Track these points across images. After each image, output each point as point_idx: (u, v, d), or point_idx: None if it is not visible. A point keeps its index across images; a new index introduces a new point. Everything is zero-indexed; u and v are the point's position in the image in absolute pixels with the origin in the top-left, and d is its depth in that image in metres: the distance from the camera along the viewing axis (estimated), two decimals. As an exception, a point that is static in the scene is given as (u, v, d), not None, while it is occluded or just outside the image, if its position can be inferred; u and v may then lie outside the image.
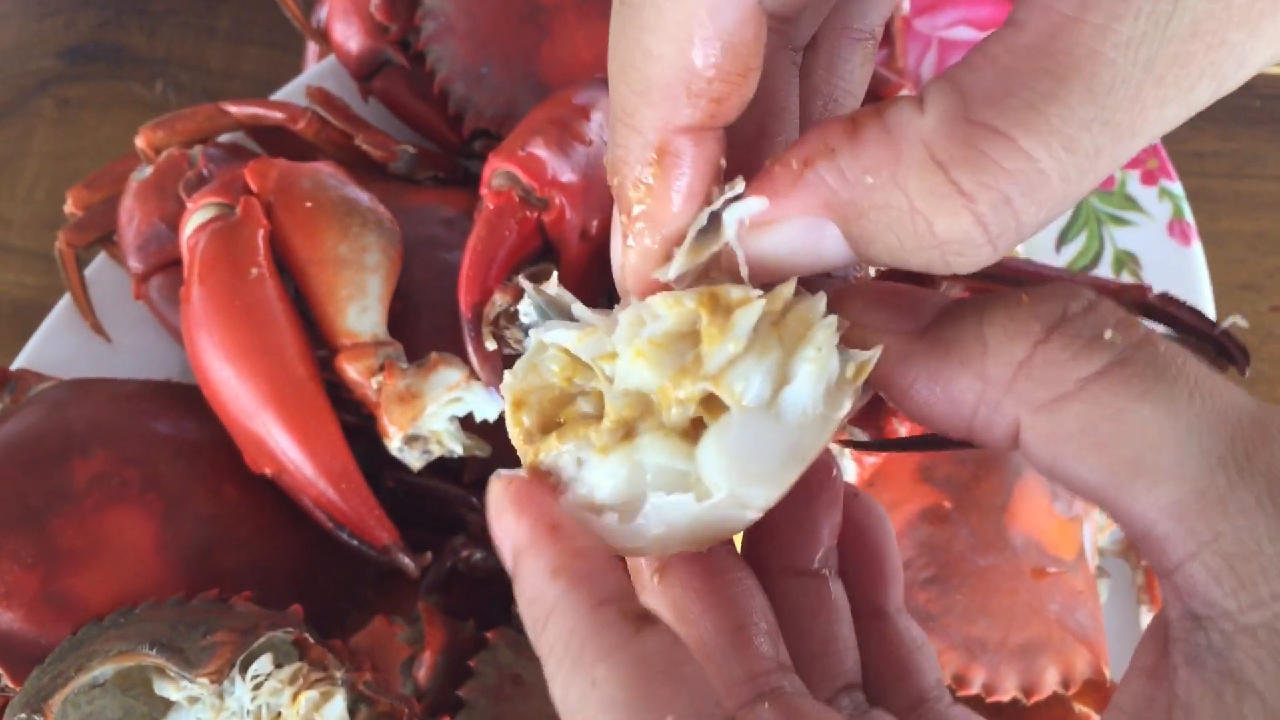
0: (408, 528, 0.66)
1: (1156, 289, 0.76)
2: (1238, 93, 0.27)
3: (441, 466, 0.67)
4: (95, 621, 0.60)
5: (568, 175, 0.64)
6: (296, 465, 0.64)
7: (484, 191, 0.65)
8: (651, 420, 0.29)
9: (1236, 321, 0.44)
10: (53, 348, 0.78)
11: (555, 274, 0.34)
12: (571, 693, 0.26)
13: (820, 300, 0.29)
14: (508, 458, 0.31)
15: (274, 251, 0.66)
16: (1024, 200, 0.25)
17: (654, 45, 0.26)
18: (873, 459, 0.68)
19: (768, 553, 0.34)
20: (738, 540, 0.34)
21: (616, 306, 0.31)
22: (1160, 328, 0.71)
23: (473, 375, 0.63)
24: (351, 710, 0.55)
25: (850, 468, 0.68)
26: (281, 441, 0.63)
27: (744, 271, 0.28)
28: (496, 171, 0.64)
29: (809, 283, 0.29)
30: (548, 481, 0.30)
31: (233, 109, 0.77)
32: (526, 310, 0.32)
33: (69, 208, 0.79)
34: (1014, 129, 0.24)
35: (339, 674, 0.56)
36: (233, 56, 1.02)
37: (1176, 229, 0.82)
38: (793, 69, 0.33)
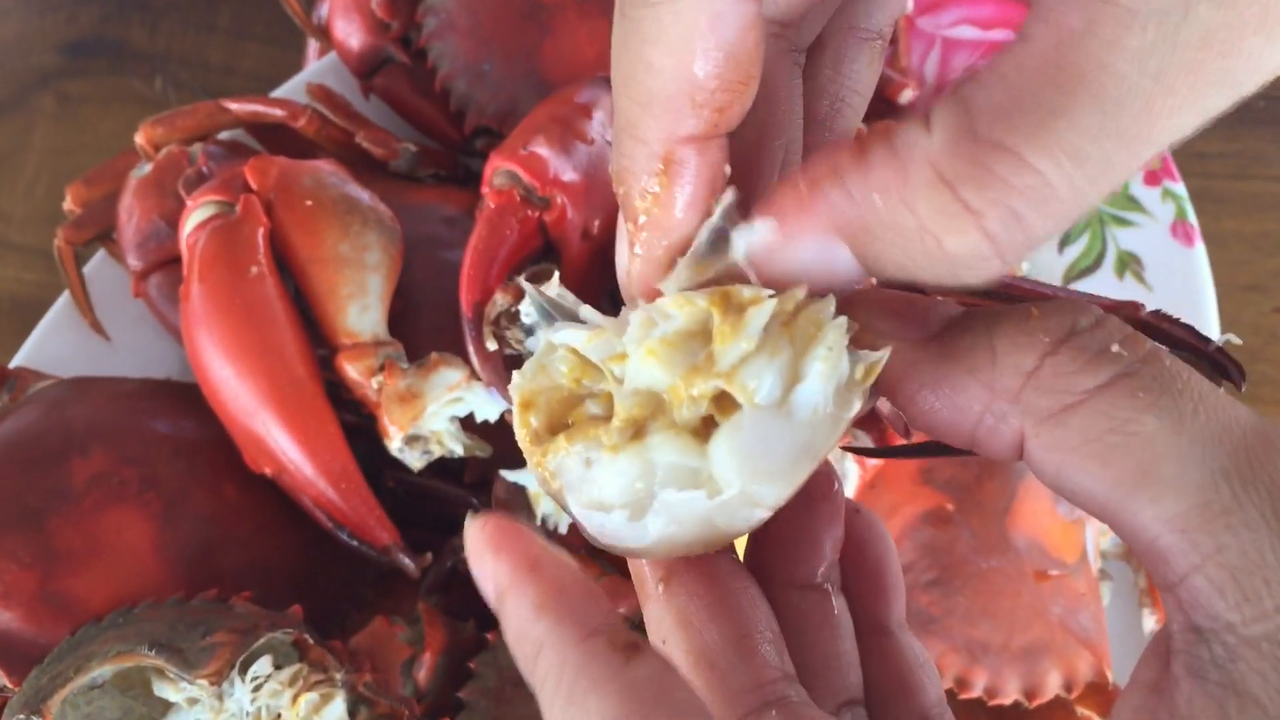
0: (408, 528, 0.66)
1: (1159, 290, 0.75)
2: (1242, 92, 0.26)
3: (442, 466, 0.67)
4: (94, 622, 0.60)
5: (569, 174, 0.64)
6: (296, 465, 0.63)
7: (485, 190, 0.64)
8: (662, 419, 0.29)
9: (1231, 339, 0.45)
10: (51, 345, 0.77)
11: (557, 274, 0.34)
12: None
13: (830, 302, 0.29)
14: (508, 458, 0.31)
15: (274, 250, 0.66)
16: (1033, 214, 0.25)
17: (655, 57, 0.26)
18: (874, 461, 0.68)
19: (770, 566, 0.34)
20: (741, 552, 0.34)
21: (624, 309, 0.31)
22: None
23: (473, 375, 0.63)
24: (351, 712, 0.55)
25: (853, 470, 0.68)
26: (281, 441, 0.63)
27: (752, 278, 0.29)
28: (498, 170, 0.64)
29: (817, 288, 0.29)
30: (554, 488, 0.30)
31: (233, 106, 0.77)
32: (528, 310, 0.32)
33: (68, 205, 0.79)
34: (1021, 144, 0.25)
35: (339, 675, 0.56)
36: (233, 53, 1.02)
37: (1180, 230, 0.82)
38: (794, 70, 0.34)
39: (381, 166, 0.79)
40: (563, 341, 0.30)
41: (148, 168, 0.75)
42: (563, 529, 0.67)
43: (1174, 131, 0.25)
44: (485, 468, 0.68)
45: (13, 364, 0.75)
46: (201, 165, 0.74)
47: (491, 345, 0.61)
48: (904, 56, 0.87)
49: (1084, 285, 0.81)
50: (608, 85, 0.29)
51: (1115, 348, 0.26)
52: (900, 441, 0.56)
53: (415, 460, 0.65)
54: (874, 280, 0.33)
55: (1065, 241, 0.83)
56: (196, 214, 0.67)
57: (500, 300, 0.61)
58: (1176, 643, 0.25)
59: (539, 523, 0.67)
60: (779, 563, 0.34)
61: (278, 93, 0.83)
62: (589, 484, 0.29)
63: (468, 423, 0.64)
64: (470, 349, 0.61)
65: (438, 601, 0.67)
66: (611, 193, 0.30)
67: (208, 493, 0.66)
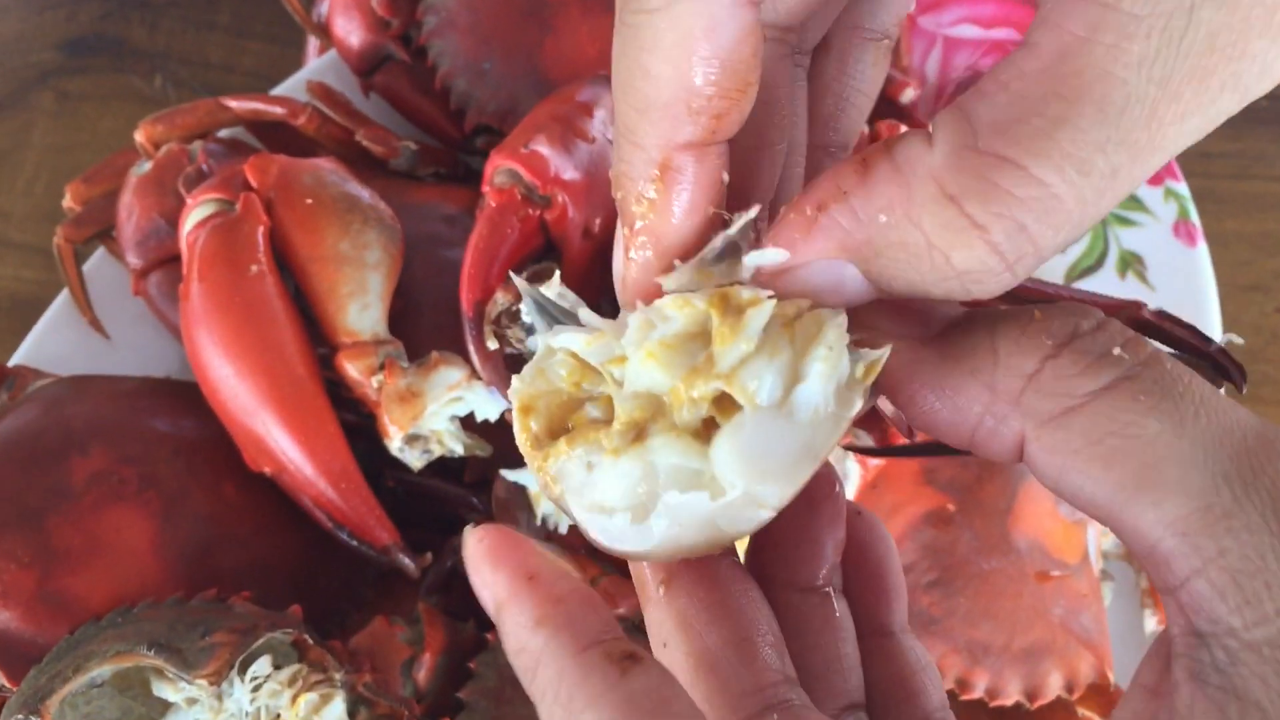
0: (408, 527, 0.65)
1: (1161, 290, 0.75)
2: (1245, 93, 0.26)
3: (442, 466, 0.67)
4: (93, 621, 0.59)
5: (570, 173, 0.64)
6: (296, 464, 0.63)
7: (486, 189, 0.64)
8: (663, 421, 0.29)
9: (1232, 339, 0.45)
10: (51, 343, 0.77)
11: (558, 273, 0.34)
12: None
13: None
14: (509, 457, 0.31)
15: (274, 248, 0.65)
16: (1039, 225, 0.25)
17: (653, 65, 0.26)
18: (876, 461, 0.68)
19: (771, 568, 0.34)
20: (742, 554, 0.34)
21: (623, 312, 0.31)
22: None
23: (474, 374, 0.63)
24: (351, 712, 0.55)
25: (854, 470, 0.68)
26: (281, 440, 0.63)
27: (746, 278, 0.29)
28: (499, 169, 0.64)
29: None
30: (555, 492, 0.30)
31: (233, 104, 0.77)
32: (528, 310, 0.32)
33: (67, 202, 0.78)
34: (1024, 156, 0.25)
35: (338, 676, 0.55)
36: (233, 51, 1.02)
37: (1182, 230, 0.82)
38: (797, 73, 0.34)
39: (382, 165, 0.79)
40: (561, 345, 0.30)
41: (147, 166, 0.75)
42: (563, 529, 0.67)
43: (1183, 138, 0.25)
44: (486, 467, 0.68)
45: (12, 362, 0.75)
46: (201, 163, 0.74)
47: (492, 344, 0.61)
48: (905, 55, 0.87)
49: (1086, 285, 0.81)
50: (609, 83, 0.29)
51: (1117, 351, 0.26)
52: (902, 442, 0.56)
53: (415, 460, 0.64)
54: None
55: (1067, 241, 0.83)
56: (196, 212, 0.67)
57: (501, 299, 0.61)
58: (1177, 646, 0.25)
59: (539, 522, 0.67)
60: (780, 565, 0.34)
61: (278, 90, 0.83)
62: (591, 487, 0.29)
63: (468, 422, 0.64)
64: (471, 348, 0.61)
65: (438, 601, 0.66)
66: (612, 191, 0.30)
67: (207, 492, 0.66)
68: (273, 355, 0.63)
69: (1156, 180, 0.83)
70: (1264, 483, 0.25)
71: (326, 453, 0.63)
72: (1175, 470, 0.25)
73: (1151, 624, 0.71)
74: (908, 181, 0.26)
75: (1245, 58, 0.24)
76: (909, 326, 0.29)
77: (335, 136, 0.78)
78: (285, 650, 0.56)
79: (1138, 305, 0.71)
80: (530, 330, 0.32)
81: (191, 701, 0.54)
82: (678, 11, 0.25)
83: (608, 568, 0.63)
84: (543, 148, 0.63)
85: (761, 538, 0.34)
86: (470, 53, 0.79)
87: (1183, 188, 0.82)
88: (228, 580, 0.63)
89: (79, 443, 0.65)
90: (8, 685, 0.60)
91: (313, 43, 0.92)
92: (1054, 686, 0.64)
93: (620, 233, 0.30)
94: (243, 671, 0.54)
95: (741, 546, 0.34)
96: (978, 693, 0.64)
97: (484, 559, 0.29)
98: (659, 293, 0.30)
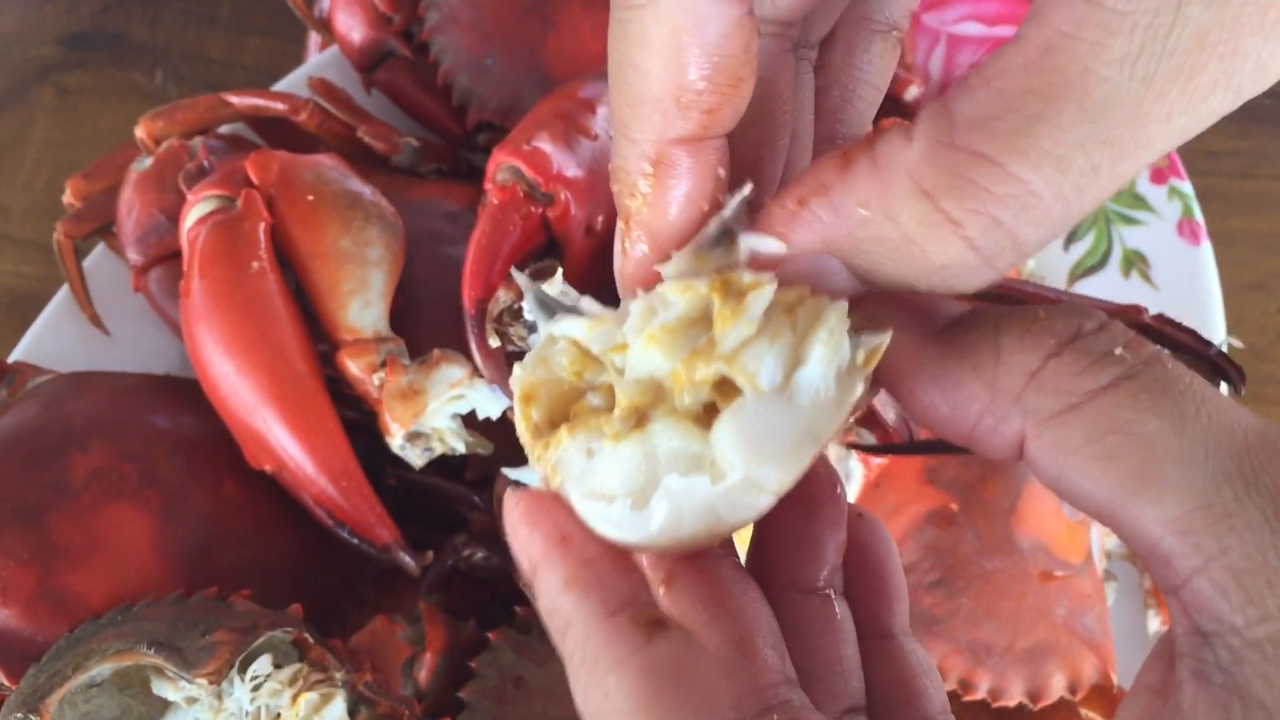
0: (409, 526, 0.65)
1: (1165, 289, 0.75)
2: (1249, 90, 0.26)
3: (443, 464, 0.67)
4: (93, 619, 0.59)
5: (573, 170, 0.63)
6: (297, 462, 0.63)
7: (488, 186, 0.64)
8: (664, 406, 0.29)
9: (1232, 342, 0.45)
10: (50, 340, 0.77)
11: (560, 271, 0.34)
12: (589, 701, 0.27)
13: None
14: (510, 455, 0.31)
15: (275, 245, 0.65)
16: (1017, 222, 0.25)
17: (642, 60, 0.27)
18: (879, 460, 0.68)
19: (772, 569, 0.34)
20: (743, 556, 0.34)
21: (624, 302, 0.31)
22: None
23: (476, 372, 0.62)
24: (352, 712, 0.55)
25: (857, 469, 0.68)
26: (282, 438, 0.63)
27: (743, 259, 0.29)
28: (501, 166, 0.63)
29: None
30: (556, 482, 0.30)
31: (234, 100, 0.77)
32: (530, 307, 0.32)
33: (67, 198, 0.78)
34: (1001, 153, 0.25)
35: (339, 675, 0.55)
36: (234, 46, 1.02)
37: (1186, 228, 0.82)
38: (802, 66, 0.33)
39: (383, 161, 0.79)
40: (563, 333, 0.31)
41: (148, 162, 0.75)
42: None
43: (1171, 136, 0.25)
44: (487, 465, 0.68)
45: (11, 358, 0.75)
46: (202, 159, 0.74)
47: (494, 342, 0.60)
48: (909, 53, 0.87)
49: (1089, 283, 0.81)
50: (612, 81, 0.29)
51: (1119, 350, 0.26)
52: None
53: (417, 457, 0.64)
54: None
55: (1071, 239, 0.83)
56: (197, 208, 0.66)
57: (503, 297, 0.61)
58: (1181, 646, 0.25)
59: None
60: (781, 566, 0.34)
61: (279, 86, 0.83)
62: (591, 474, 0.29)
63: (470, 420, 0.64)
64: (472, 346, 0.61)
65: (439, 600, 0.66)
66: (614, 190, 0.30)
67: (207, 489, 0.65)
68: (273, 352, 0.63)
69: (1160, 179, 0.82)
70: (1265, 481, 0.25)
71: (327, 450, 0.63)
72: (1176, 469, 0.25)
73: (1155, 624, 0.71)
74: (886, 176, 0.26)
75: (1237, 56, 0.24)
76: (913, 321, 0.29)
77: (336, 133, 0.78)
78: (286, 649, 0.56)
79: (1137, 310, 0.71)
80: (532, 328, 0.32)
81: (191, 700, 0.54)
82: (663, 7, 0.26)
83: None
84: (545, 145, 0.63)
85: (763, 539, 0.35)
86: (472, 49, 0.79)
87: (1187, 186, 0.82)
88: (228, 578, 0.63)
89: (79, 439, 0.65)
90: (7, 683, 0.59)
91: (314, 38, 0.92)
92: (1057, 687, 0.64)
93: (619, 227, 0.31)
94: (243, 670, 0.54)
95: (742, 549, 0.34)
96: (980, 694, 0.64)
97: (521, 521, 0.30)
98: (656, 284, 0.30)
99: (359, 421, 0.66)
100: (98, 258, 0.79)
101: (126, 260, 0.75)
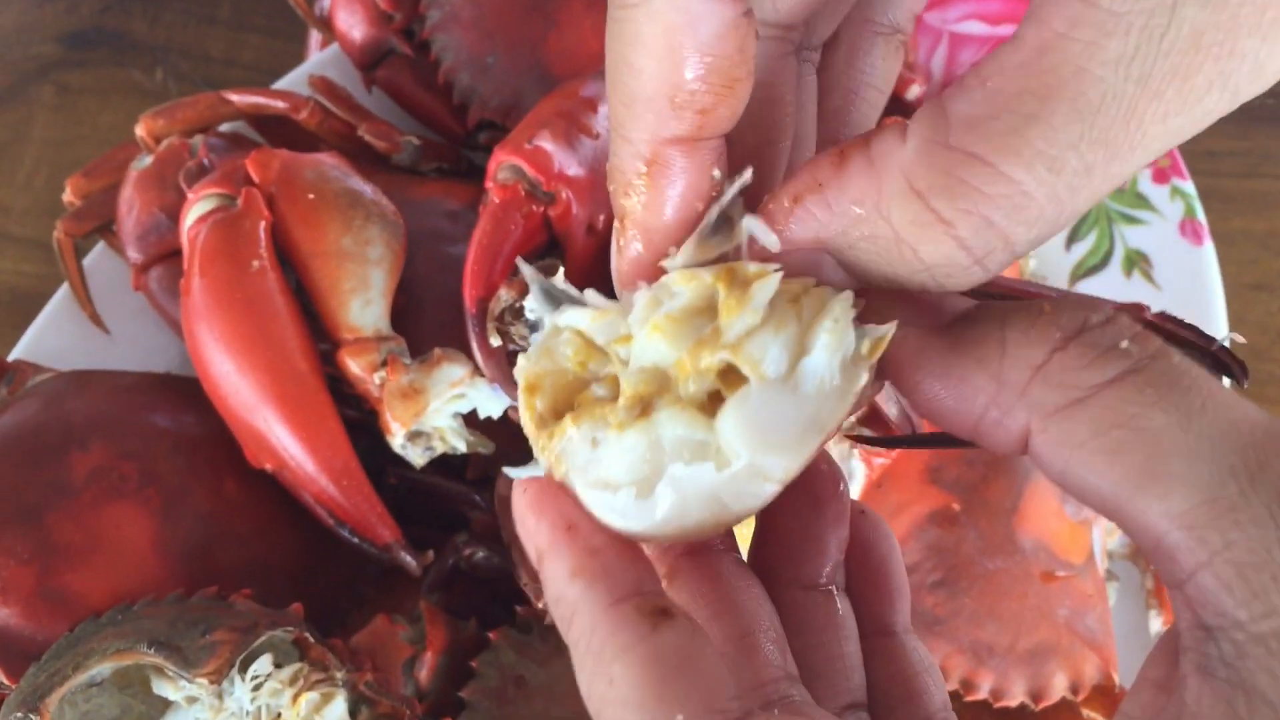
0: (410, 525, 0.65)
1: (1167, 289, 0.75)
2: (1251, 90, 0.26)
3: (444, 463, 0.67)
4: (93, 619, 0.59)
5: (574, 169, 0.63)
6: (297, 461, 0.63)
7: (489, 185, 0.64)
8: (669, 395, 0.29)
9: (1235, 338, 0.45)
10: (50, 338, 0.77)
11: (561, 269, 0.34)
12: (594, 690, 0.27)
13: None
14: (511, 454, 0.31)
15: (276, 244, 0.65)
16: (1009, 222, 0.25)
17: (636, 60, 0.27)
18: (881, 459, 0.68)
19: (774, 566, 0.34)
20: (744, 551, 0.34)
21: (624, 296, 0.31)
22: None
23: (477, 371, 0.62)
24: (352, 711, 0.55)
25: (859, 468, 0.68)
26: (282, 437, 0.62)
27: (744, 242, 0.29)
28: (502, 165, 0.63)
29: None
30: (560, 472, 0.30)
31: (234, 98, 0.77)
32: (531, 305, 0.32)
33: (68, 196, 0.78)
34: (993, 153, 0.25)
35: (340, 674, 0.55)
36: (234, 44, 1.01)
37: (1188, 228, 0.82)
38: (805, 69, 0.33)
39: (384, 160, 0.79)
40: (568, 323, 0.31)
41: (148, 160, 0.75)
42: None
43: (1167, 137, 0.25)
44: (488, 464, 0.67)
45: (11, 357, 0.75)
46: (203, 157, 0.74)
47: (495, 341, 0.60)
48: (911, 52, 0.86)
49: (1092, 283, 0.81)
50: (613, 80, 0.29)
51: (1124, 344, 0.26)
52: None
53: (418, 457, 0.64)
54: None
55: (1073, 239, 0.82)
56: (198, 207, 0.66)
57: (504, 296, 0.60)
58: (1185, 640, 0.25)
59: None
60: (783, 563, 0.34)
61: (279, 84, 0.83)
62: (595, 464, 0.29)
63: (471, 419, 0.64)
64: (473, 345, 0.61)
65: (439, 600, 0.66)
66: (615, 188, 0.30)
67: (208, 489, 0.65)
68: (274, 351, 0.63)
69: (1163, 178, 0.82)
70: (1270, 476, 0.25)
71: (328, 449, 0.63)
72: (1181, 463, 0.25)
73: (1157, 624, 0.71)
74: (880, 175, 0.26)
75: (1234, 57, 0.24)
76: (920, 314, 0.29)
77: (337, 131, 0.78)
78: (286, 649, 0.56)
79: (1140, 308, 0.71)
80: (534, 327, 0.32)
81: (192, 700, 0.54)
82: (656, 6, 0.26)
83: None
84: (546, 143, 0.63)
85: (765, 534, 0.35)
86: (474, 47, 0.79)
87: (1189, 186, 0.82)
88: (228, 578, 0.63)
89: (79, 438, 0.65)
90: (7, 683, 0.59)
91: (314, 37, 0.91)
92: (1059, 688, 0.64)
93: (615, 225, 0.31)
94: (243, 670, 0.54)
95: (745, 543, 0.34)
96: (982, 694, 0.63)
97: (528, 509, 0.30)
98: (655, 279, 0.30)
99: (360, 420, 0.65)
100: (98, 256, 0.79)
101: (126, 259, 0.75)
